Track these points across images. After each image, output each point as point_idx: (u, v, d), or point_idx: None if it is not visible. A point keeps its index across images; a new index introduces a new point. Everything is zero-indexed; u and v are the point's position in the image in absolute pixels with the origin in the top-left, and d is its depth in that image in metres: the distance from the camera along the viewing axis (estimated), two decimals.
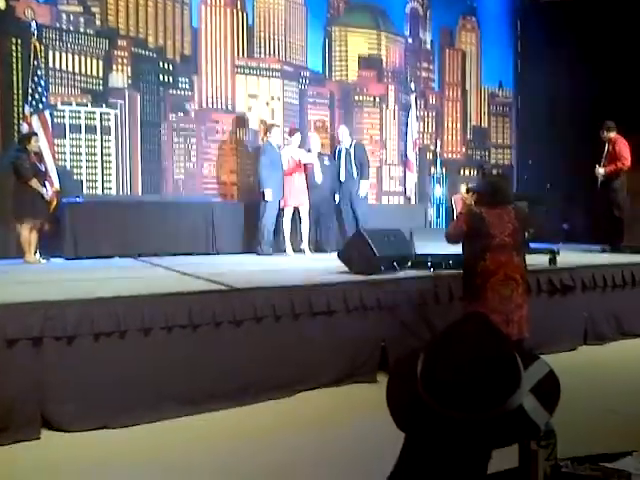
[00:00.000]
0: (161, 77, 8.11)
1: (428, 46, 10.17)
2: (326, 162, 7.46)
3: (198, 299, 3.55)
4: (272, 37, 8.77)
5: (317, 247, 7.45)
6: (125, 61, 7.83)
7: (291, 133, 7.45)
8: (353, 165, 7.47)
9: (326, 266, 5.18)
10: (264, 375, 3.66)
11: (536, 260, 5.24)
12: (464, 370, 0.89)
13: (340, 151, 7.61)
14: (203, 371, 3.48)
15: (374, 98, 9.50)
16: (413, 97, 9.22)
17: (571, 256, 6.05)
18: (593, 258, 6.02)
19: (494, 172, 7.66)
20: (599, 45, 9.46)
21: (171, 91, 8.15)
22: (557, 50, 9.97)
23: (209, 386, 3.46)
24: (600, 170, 6.97)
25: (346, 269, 4.66)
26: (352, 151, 7.53)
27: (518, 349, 0.95)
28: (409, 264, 4.90)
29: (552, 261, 5.16)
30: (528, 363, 0.95)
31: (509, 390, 0.90)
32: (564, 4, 10.22)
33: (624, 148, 6.85)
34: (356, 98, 9.37)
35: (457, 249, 4.78)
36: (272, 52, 8.76)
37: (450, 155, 10.19)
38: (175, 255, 6.65)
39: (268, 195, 6.86)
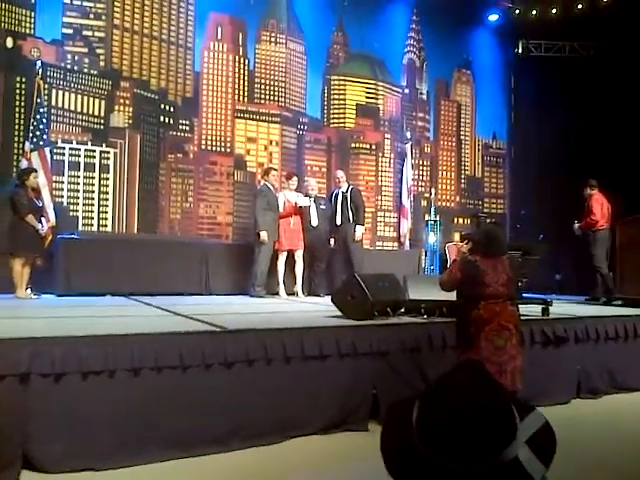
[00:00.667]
0: (162, 118, 8.25)
1: (424, 96, 10.42)
2: (322, 206, 7.52)
3: (189, 340, 3.52)
4: (272, 83, 8.98)
5: (310, 290, 7.43)
6: (127, 102, 7.98)
7: (289, 177, 7.53)
8: (349, 209, 7.51)
9: (319, 309, 5.15)
10: (254, 419, 3.59)
11: (529, 310, 5.25)
12: (459, 420, 0.88)
13: (337, 195, 7.65)
14: (192, 414, 3.41)
15: (370, 145, 9.68)
16: (409, 146, 9.40)
17: (564, 307, 6.06)
18: (586, 310, 6.03)
19: (489, 221, 7.76)
20: (591, 99, 9.76)
21: (171, 132, 8.28)
22: (550, 103, 10.26)
23: (198, 429, 3.39)
24: (575, 225, 7.57)
25: (339, 313, 4.65)
26: (348, 195, 7.57)
27: (514, 400, 0.95)
28: (402, 310, 4.89)
29: (545, 312, 5.16)
30: (524, 414, 0.94)
31: (505, 441, 0.88)
32: (556, 59, 10.57)
33: (595, 204, 7.36)
34: (353, 145, 9.54)
35: (450, 296, 4.81)
36: (272, 98, 8.96)
37: (444, 203, 10.32)
38: (168, 295, 6.60)
39: (264, 237, 6.88)
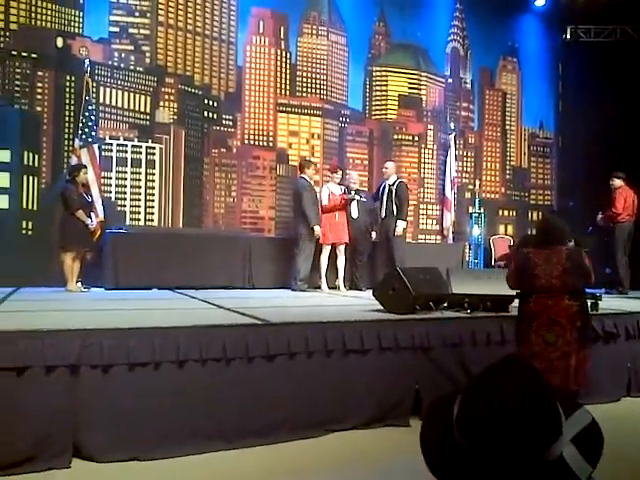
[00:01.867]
0: (205, 113, 8.37)
1: (468, 86, 10.22)
2: (363, 198, 7.48)
3: (232, 332, 3.56)
4: (314, 76, 8.98)
5: (351, 284, 7.42)
6: (172, 98, 8.12)
7: (334, 170, 7.50)
8: (393, 203, 7.43)
9: (360, 303, 5.13)
10: (295, 413, 3.62)
11: None
12: (503, 415, 0.86)
13: (384, 187, 7.56)
14: (235, 406, 3.47)
15: (413, 137, 9.57)
16: (452, 136, 9.25)
17: (614, 302, 5.87)
18: (637, 305, 5.81)
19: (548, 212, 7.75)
20: None
21: (215, 127, 8.39)
22: (599, 91, 9.90)
23: (240, 422, 3.44)
24: (598, 217, 7.66)
25: (381, 307, 4.63)
26: (394, 188, 7.48)
27: (559, 396, 0.92)
28: (445, 304, 4.83)
29: (594, 307, 5.00)
30: (570, 412, 0.92)
31: (549, 439, 0.86)
32: (605, 45, 10.19)
33: (619, 197, 7.46)
34: (395, 137, 9.45)
35: (495, 290, 4.72)
36: (314, 91, 8.96)
37: (489, 195, 10.12)
38: (212, 288, 6.72)
39: (318, 232, 6.92)
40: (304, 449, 3.46)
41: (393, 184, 7.50)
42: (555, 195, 10.74)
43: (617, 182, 7.55)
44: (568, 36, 10.63)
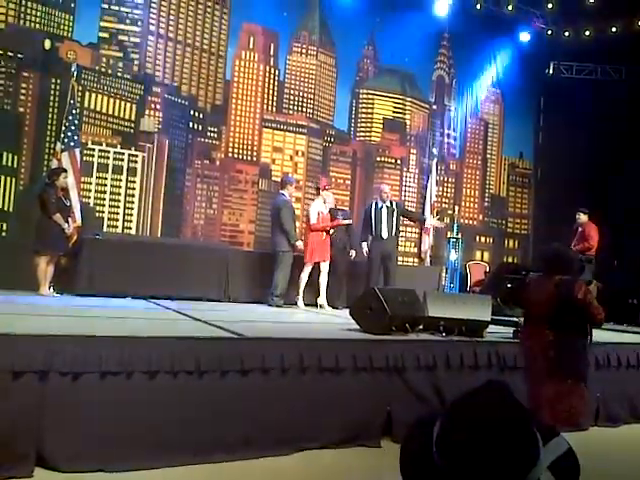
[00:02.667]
0: (190, 124, 8.36)
1: (452, 113, 10.39)
2: (340, 217, 7.51)
3: (206, 345, 3.53)
4: (301, 95, 9.05)
5: (328, 302, 7.40)
6: (158, 107, 8.10)
7: (323, 188, 7.49)
8: (394, 223, 7.39)
9: (337, 322, 5.13)
10: (266, 429, 3.58)
11: None
12: (482, 440, 0.87)
13: (381, 207, 7.43)
14: (205, 420, 3.42)
15: (395, 160, 9.68)
16: (434, 162, 9.36)
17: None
18: (607, 336, 5.90)
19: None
20: (621, 124, 9.64)
21: (199, 139, 8.38)
22: (578, 126, 10.15)
23: (210, 436, 3.39)
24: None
25: (357, 326, 4.62)
26: (395, 208, 7.46)
27: (537, 423, 0.93)
28: (421, 326, 4.85)
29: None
30: (548, 439, 0.93)
31: (527, 465, 0.87)
32: (588, 82, 10.48)
33: (592, 232, 7.77)
34: (378, 159, 9.55)
35: (470, 315, 4.76)
36: (300, 109, 9.02)
37: (467, 221, 10.24)
38: (187, 300, 6.65)
39: (301, 247, 6.96)
40: (274, 467, 3.42)
41: (391, 205, 7.50)
42: (531, 224, 10.92)
43: (583, 217, 7.89)
44: (551, 71, 10.91)
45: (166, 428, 3.27)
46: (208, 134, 8.43)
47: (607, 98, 9.97)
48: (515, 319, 5.30)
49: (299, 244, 6.93)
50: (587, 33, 10.32)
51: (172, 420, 3.31)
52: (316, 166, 9.05)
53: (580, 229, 7.87)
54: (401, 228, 7.69)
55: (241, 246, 8.41)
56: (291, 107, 8.98)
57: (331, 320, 5.50)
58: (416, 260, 9.42)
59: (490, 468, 0.86)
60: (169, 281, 6.81)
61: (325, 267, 7.22)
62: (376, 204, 7.52)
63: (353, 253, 7.64)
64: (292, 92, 9.00)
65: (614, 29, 10.07)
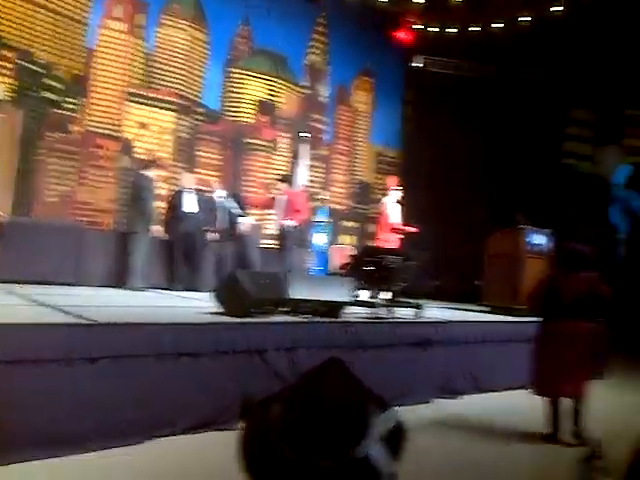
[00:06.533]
0: (47, 94, 7.73)
1: (324, 99, 10.55)
2: (203, 197, 7.41)
3: (51, 332, 3.31)
4: (170, 70, 8.70)
5: (191, 286, 7.25)
6: (8, 72, 7.39)
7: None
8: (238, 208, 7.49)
9: (198, 305, 5.05)
10: (119, 418, 3.44)
11: (401, 314, 5.48)
12: (315, 416, 0.89)
13: (227, 195, 7.54)
14: (51, 411, 3.21)
15: (266, 142, 9.66)
16: (304, 146, 9.46)
17: (432, 312, 6.38)
18: (453, 314, 6.38)
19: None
20: (482, 118, 10.40)
21: (55, 110, 7.77)
22: (442, 119, 10.77)
23: (57, 428, 3.20)
24: None
25: (219, 310, 4.59)
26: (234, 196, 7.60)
27: (371, 398, 0.96)
28: (283, 308, 4.91)
29: (417, 315, 5.41)
30: (379, 412, 0.95)
31: (357, 438, 0.89)
32: (453, 77, 11.12)
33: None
34: (248, 140, 9.46)
35: (332, 297, 4.92)
36: (168, 84, 8.67)
37: (335, 206, 10.51)
38: (37, 283, 6.17)
39: (157, 229, 6.78)
40: (128, 456, 3.30)
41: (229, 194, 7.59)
42: None
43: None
44: (419, 65, 11.42)
45: (13, 420, 3.04)
46: (66, 105, 7.84)
47: (471, 94, 10.67)
48: (373, 300, 5.56)
49: (156, 227, 6.74)
50: (454, 30, 10.87)
51: (11, 412, 3.08)
52: (184, 145, 8.78)
53: None
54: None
55: (99, 226, 7.96)
56: (159, 82, 8.60)
57: (192, 304, 5.40)
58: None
59: (321, 443, 0.88)
60: (16, 263, 6.28)
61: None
62: (225, 193, 7.60)
63: (212, 235, 7.52)
64: (160, 66, 8.63)
65: (478, 28, 10.72)
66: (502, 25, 10.39)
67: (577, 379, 3.96)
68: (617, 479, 1.20)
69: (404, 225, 7.47)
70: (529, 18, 10.14)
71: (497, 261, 6.90)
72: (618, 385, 5.54)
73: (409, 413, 4.70)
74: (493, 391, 5.65)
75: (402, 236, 7.42)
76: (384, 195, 7.75)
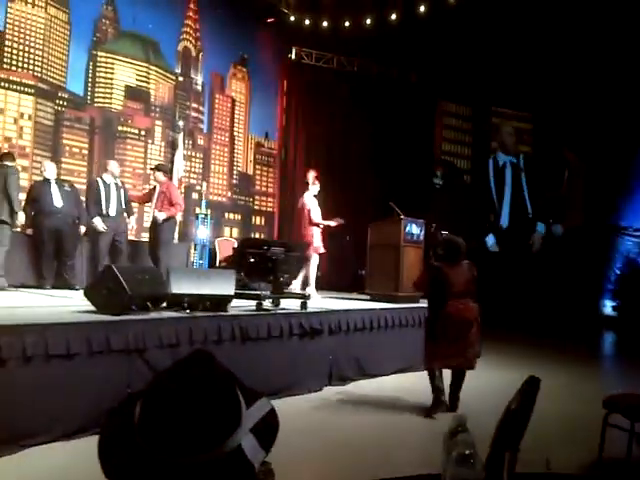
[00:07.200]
0: None
1: (199, 87, 10.23)
2: (67, 188, 6.91)
3: None
4: (27, 50, 7.94)
5: (64, 283, 6.74)
6: None
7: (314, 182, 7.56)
8: (123, 202, 7.10)
9: (70, 304, 4.68)
10: None
11: (289, 304, 5.47)
12: (183, 412, 0.83)
13: (109, 185, 7.02)
14: None
15: (139, 130, 9.17)
16: (181, 135, 9.10)
17: (320, 301, 6.45)
18: (339, 304, 6.49)
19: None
20: (350, 111, 10.68)
21: None
22: (317, 110, 10.93)
23: None
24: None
25: (93, 308, 4.27)
26: (122, 187, 7.21)
27: (242, 388, 0.92)
28: (164, 304, 4.69)
29: (303, 306, 5.41)
30: (251, 402, 0.92)
31: (228, 431, 0.85)
32: (325, 70, 11.30)
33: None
34: (120, 128, 8.93)
35: (213, 291, 4.77)
36: (25, 66, 7.92)
37: (216, 197, 10.27)
38: None
39: (21, 220, 6.34)
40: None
41: (118, 182, 7.16)
42: (277, 202, 11.43)
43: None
44: (293, 56, 11.45)
45: None
46: None
47: (342, 87, 10.91)
48: (258, 292, 5.48)
49: (21, 215, 6.24)
50: (325, 24, 11.01)
51: None
52: (46, 132, 8.05)
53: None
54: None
55: None
56: (14, 63, 7.81)
57: (63, 303, 4.99)
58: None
59: (188, 439, 0.82)
60: None
61: (316, 259, 7.32)
62: (109, 180, 7.09)
63: (83, 228, 7.06)
64: (15, 46, 7.83)
65: (347, 23, 10.95)
66: (371, 22, 10.71)
67: (470, 352, 4.48)
68: (483, 452, 1.25)
69: (324, 219, 7.47)
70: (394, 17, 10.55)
71: (378, 251, 7.09)
72: (489, 360, 5.94)
73: (300, 401, 4.74)
74: (380, 375, 5.84)
75: (322, 230, 7.45)
76: (304, 190, 7.71)
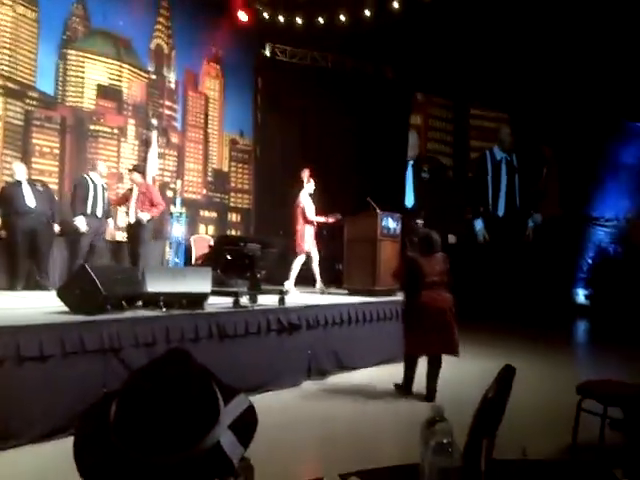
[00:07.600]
0: None
1: (172, 85, 10.13)
2: (39, 188, 6.84)
3: None
4: None
5: (37, 284, 6.64)
6: None
7: (308, 180, 7.60)
8: (104, 202, 7.15)
9: (43, 305, 4.62)
10: None
11: (267, 300, 5.46)
12: (161, 410, 0.83)
13: (97, 185, 7.08)
14: None
15: (112, 129, 9.05)
16: (154, 133, 9.01)
17: (298, 297, 6.45)
18: (317, 298, 6.49)
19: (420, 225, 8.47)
20: (325, 108, 10.69)
21: None
22: (292, 107, 10.90)
23: None
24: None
25: (66, 309, 4.21)
26: (107, 189, 7.31)
27: (219, 385, 0.92)
28: (140, 303, 4.65)
29: (281, 301, 5.41)
30: (229, 398, 0.92)
31: (207, 427, 0.85)
32: (299, 66, 11.27)
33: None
34: (92, 127, 8.80)
35: (189, 288, 4.75)
36: None
37: (190, 195, 10.19)
38: None
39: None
40: None
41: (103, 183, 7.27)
42: (253, 199, 11.38)
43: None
44: (267, 53, 11.40)
45: None
46: None
47: (316, 83, 10.89)
48: (235, 289, 5.46)
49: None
50: (299, 20, 10.97)
51: None
52: (16, 132, 7.88)
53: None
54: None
55: None
56: None
57: (36, 304, 4.91)
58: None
59: (166, 437, 0.82)
60: None
61: (316, 255, 7.38)
62: (94, 181, 7.05)
63: (57, 227, 6.97)
64: None
65: (320, 19, 10.92)
66: (345, 18, 10.70)
67: (449, 339, 4.59)
68: (461, 440, 1.26)
69: (320, 216, 7.50)
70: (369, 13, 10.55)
71: (355, 245, 7.12)
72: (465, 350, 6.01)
73: (279, 396, 4.75)
74: (359, 368, 5.87)
75: (316, 228, 7.48)
76: (298, 188, 7.68)
